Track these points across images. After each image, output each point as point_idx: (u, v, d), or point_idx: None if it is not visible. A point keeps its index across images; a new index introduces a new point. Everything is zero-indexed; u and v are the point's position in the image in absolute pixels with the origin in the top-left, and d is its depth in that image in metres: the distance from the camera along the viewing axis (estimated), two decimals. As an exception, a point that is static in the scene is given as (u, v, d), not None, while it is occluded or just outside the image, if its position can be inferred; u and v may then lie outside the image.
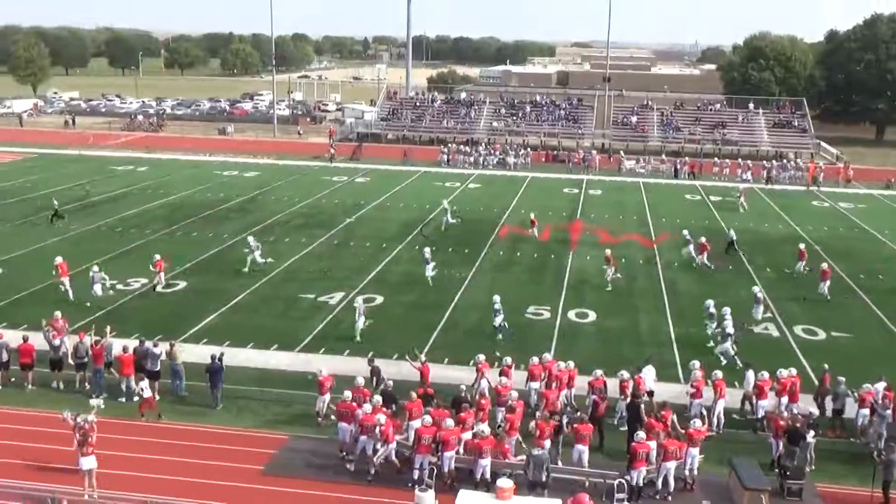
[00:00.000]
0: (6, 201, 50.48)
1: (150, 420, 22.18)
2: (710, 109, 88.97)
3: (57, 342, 24.43)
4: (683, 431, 19.62)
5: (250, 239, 37.73)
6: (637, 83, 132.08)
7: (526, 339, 28.26)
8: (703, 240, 39.34)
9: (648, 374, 23.68)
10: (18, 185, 56.21)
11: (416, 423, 19.64)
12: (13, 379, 24.31)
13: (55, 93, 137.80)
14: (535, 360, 23.50)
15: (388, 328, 29.48)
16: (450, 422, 19.54)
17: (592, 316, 31.55)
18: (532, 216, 45.49)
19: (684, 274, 37.78)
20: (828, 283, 34.28)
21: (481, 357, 23.79)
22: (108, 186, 56.49)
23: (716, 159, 70.30)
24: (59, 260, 32.51)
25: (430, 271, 35.06)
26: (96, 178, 59.93)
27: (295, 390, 23.90)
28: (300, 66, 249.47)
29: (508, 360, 23.50)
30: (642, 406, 20.96)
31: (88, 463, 18.40)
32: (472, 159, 71.09)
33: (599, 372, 22.92)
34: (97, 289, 31.50)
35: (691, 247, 39.90)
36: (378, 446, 19.55)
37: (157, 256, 33.92)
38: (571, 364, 23.55)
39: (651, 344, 28.74)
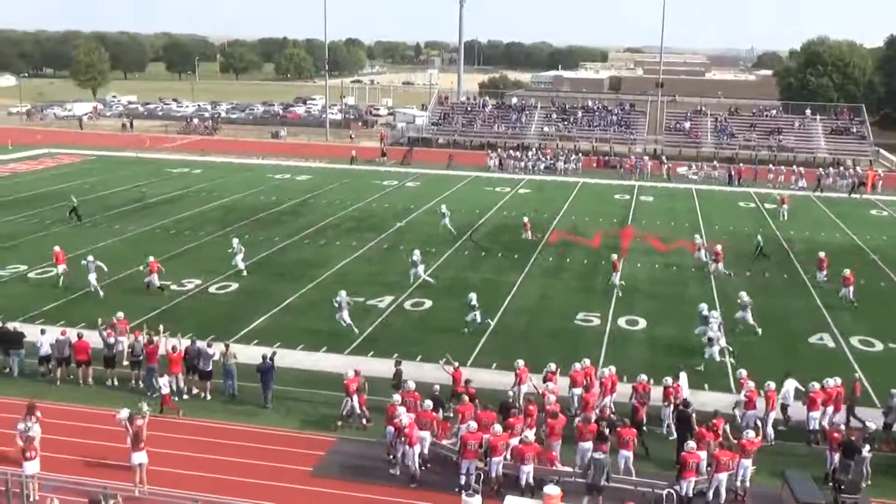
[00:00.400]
0: (67, 202, 51.59)
1: (169, 416, 22.42)
2: (766, 115, 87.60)
3: (111, 340, 24.91)
4: (735, 441, 19.31)
5: (234, 241, 38.08)
6: (691, 89, 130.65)
7: (576, 346, 28.06)
8: (718, 248, 38.63)
9: (684, 381, 23.36)
10: (78, 186, 57.45)
11: (494, 431, 19.34)
12: (71, 376, 24.87)
13: (114, 96, 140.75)
14: (577, 366, 23.43)
15: (436, 333, 29.52)
16: (498, 427, 19.49)
17: (643, 323, 31.23)
18: (525, 219, 45.59)
19: (737, 282, 37.20)
20: (851, 288, 33.51)
21: (520, 362, 23.74)
22: (164, 188, 57.50)
23: (771, 166, 69.20)
24: (56, 249, 34.76)
25: (420, 273, 35.24)
26: (152, 180, 61.04)
27: (343, 392, 24.04)
28: (353, 70, 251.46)
29: (552, 366, 23.40)
30: (693, 415, 20.70)
31: (139, 458, 18.74)
32: (522, 164, 70.95)
33: (644, 376, 22.75)
34: (91, 278, 32.76)
35: (703, 252, 39.79)
36: (405, 449, 19.54)
37: (151, 258, 34.47)
38: (613, 369, 23.42)
39: (702, 353, 28.34)
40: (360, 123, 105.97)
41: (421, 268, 35.62)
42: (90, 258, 33.66)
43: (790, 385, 23.17)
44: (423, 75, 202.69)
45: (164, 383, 23.00)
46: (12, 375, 25.05)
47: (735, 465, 18.74)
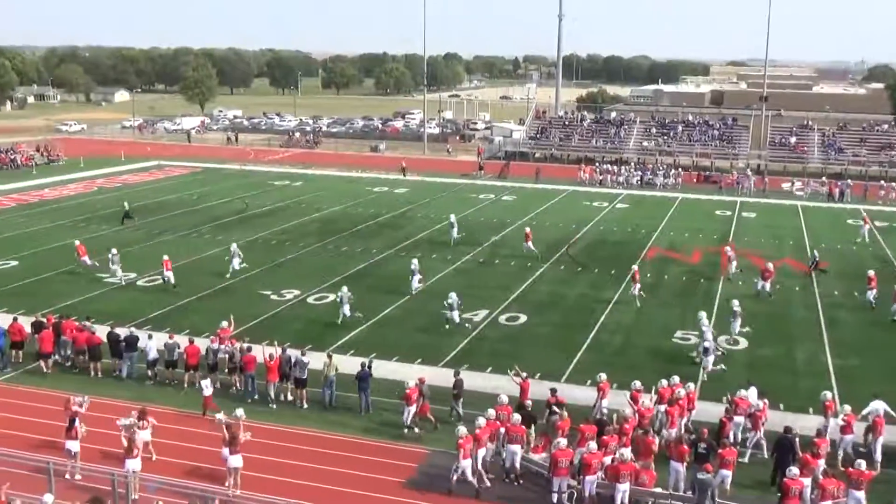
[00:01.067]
0: (174, 212, 53.54)
1: (210, 416, 22.68)
2: (877, 130, 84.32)
3: (215, 346, 25.65)
4: (843, 470, 18.51)
5: (233, 245, 39.39)
6: (796, 103, 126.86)
7: (673, 365, 27.46)
8: (770, 265, 37.22)
9: (752, 394, 22.63)
10: (185, 197, 59.51)
11: (589, 448, 18.98)
12: (175, 381, 25.71)
13: (220, 111, 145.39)
14: (664, 382, 23.02)
15: (532, 347, 29.39)
16: (593, 444, 19.22)
17: (744, 343, 30.37)
18: (527, 230, 44.83)
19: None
20: None
21: (602, 376, 23.50)
22: (266, 200, 58.99)
23: (882, 182, 66.54)
24: (165, 257, 37.03)
25: (415, 283, 35.59)
26: (255, 192, 62.71)
27: (437, 405, 24.11)
28: (451, 85, 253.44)
29: (637, 383, 22.98)
30: (797, 439, 19.99)
31: (235, 461, 19.20)
32: (620, 179, 70.15)
33: (744, 392, 22.20)
34: (117, 270, 36.55)
35: (733, 263, 39.24)
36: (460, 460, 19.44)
37: (165, 256, 37.05)
38: (692, 387, 22.89)
39: (806, 375, 27.44)
40: (457, 137, 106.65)
41: (417, 277, 36.16)
42: (113, 251, 37.29)
43: (879, 406, 22.11)
44: (520, 90, 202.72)
45: (205, 385, 23.60)
46: (122, 378, 26.06)
47: (841, 493, 17.94)
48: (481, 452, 19.94)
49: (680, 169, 73.11)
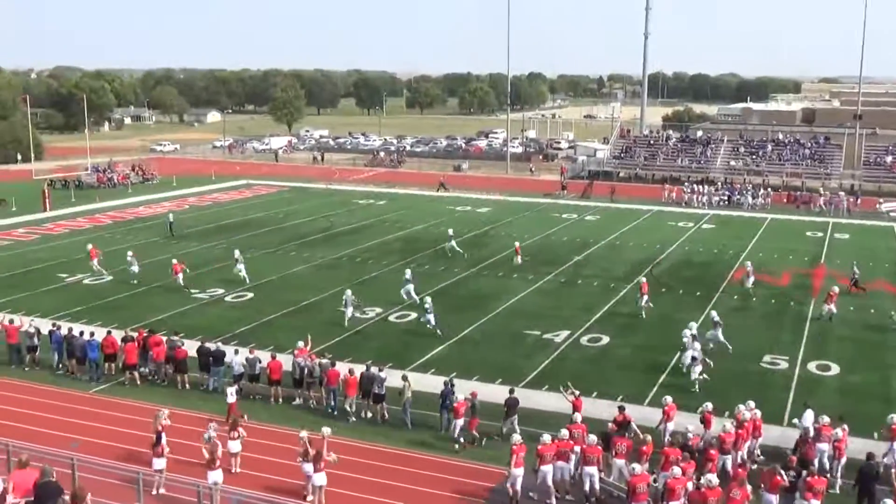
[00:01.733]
0: (261, 230, 54.76)
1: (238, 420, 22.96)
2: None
3: (300, 361, 26.07)
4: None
5: (236, 252, 42.24)
6: (893, 120, 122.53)
7: (761, 390, 26.73)
8: (835, 289, 36.02)
9: (808, 417, 22.06)
10: (272, 215, 60.82)
11: (673, 473, 18.48)
12: (258, 396, 26.22)
13: (307, 131, 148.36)
14: (742, 407, 22.46)
15: (614, 369, 29.02)
16: (677, 469, 18.79)
17: (835, 369, 29.38)
18: (517, 244, 45.91)
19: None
20: None
21: (668, 399, 23.12)
22: (350, 218, 59.85)
23: None
24: (89, 247, 41.72)
25: (411, 291, 36.79)
26: (340, 210, 63.69)
27: (518, 425, 24.00)
28: (534, 104, 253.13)
29: (709, 405, 22.54)
30: (881, 469, 19.21)
31: (319, 479, 19.39)
32: (706, 199, 68.91)
33: (826, 419, 21.56)
34: (134, 269, 40.31)
35: (751, 279, 39.34)
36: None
37: (175, 261, 40.27)
38: (758, 413, 22.32)
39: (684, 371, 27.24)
40: (540, 157, 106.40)
41: (411, 286, 36.97)
42: (130, 253, 41.62)
43: (808, 416, 21.77)
44: (605, 108, 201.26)
45: (231, 392, 24.27)
46: (208, 391, 26.70)
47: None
48: (547, 469, 19.84)
49: (769, 189, 71.40)
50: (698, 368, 27.49)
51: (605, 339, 32.33)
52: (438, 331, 32.30)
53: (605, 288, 40.17)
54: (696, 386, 27.03)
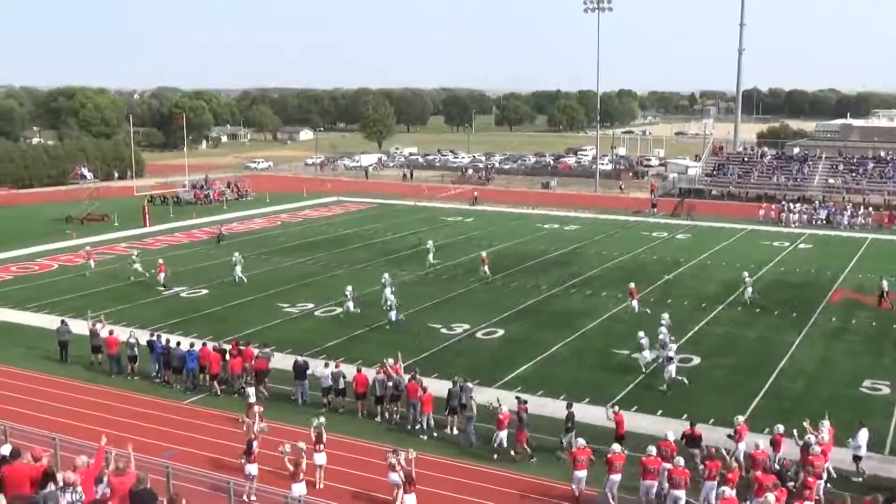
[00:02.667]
0: (351, 247, 55.52)
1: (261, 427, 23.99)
2: None
3: (381, 377, 26.25)
4: None
5: (235, 254, 46.21)
6: None
7: (860, 416, 25.65)
8: None
9: (863, 437, 21.66)
10: (361, 231, 61.65)
11: (767, 500, 17.88)
12: (342, 409, 26.50)
13: (397, 148, 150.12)
14: (826, 423, 22.05)
15: (705, 391, 28.33)
16: (771, 497, 18.14)
17: (940, 395, 28.06)
18: (483, 254, 47.23)
19: None
20: None
21: (740, 418, 22.64)
22: (438, 235, 60.16)
23: None
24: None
25: (390, 296, 37.82)
26: (428, 227, 64.10)
27: (606, 446, 23.63)
28: (625, 121, 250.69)
29: (780, 428, 22.01)
30: None
31: (409, 501, 19.41)
32: (804, 218, 66.95)
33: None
34: (237, 270, 44.06)
35: (750, 290, 39.98)
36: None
37: (160, 261, 44.45)
38: (826, 438, 21.53)
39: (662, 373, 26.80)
40: (630, 174, 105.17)
41: (388, 290, 38.28)
42: (237, 254, 46.07)
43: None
44: (697, 125, 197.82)
45: (250, 392, 25.16)
46: (298, 403, 27.14)
47: None
48: (615, 478, 20.22)
49: (870, 208, 68.91)
50: (672, 368, 28.44)
51: (696, 360, 31.61)
52: (389, 325, 35.45)
53: (696, 308, 39.33)
54: (666, 385, 28.13)
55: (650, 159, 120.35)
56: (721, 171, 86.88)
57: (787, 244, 57.30)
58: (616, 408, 24.16)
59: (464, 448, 23.83)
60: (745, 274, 42.22)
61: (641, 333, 31.15)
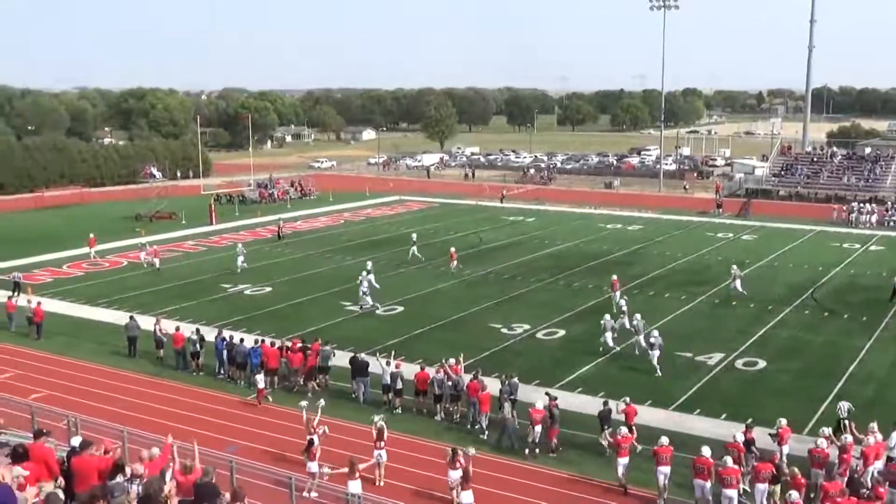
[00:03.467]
0: (410, 246, 55.69)
1: (265, 403, 26.84)
2: None
3: (440, 376, 26.31)
4: None
5: (238, 245, 48.98)
6: None
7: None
8: None
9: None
10: (422, 231, 61.81)
11: None
12: (397, 409, 26.64)
13: (459, 148, 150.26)
14: (874, 425, 21.69)
15: (771, 395, 27.76)
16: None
17: None
18: (452, 249, 48.09)
19: None
20: None
21: (783, 421, 22.23)
22: (499, 235, 60.08)
23: None
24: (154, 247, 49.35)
25: (366, 290, 39.28)
26: (489, 226, 64.05)
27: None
28: (690, 120, 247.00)
29: (826, 431, 21.63)
30: None
31: (466, 497, 19.44)
32: (874, 219, 65.19)
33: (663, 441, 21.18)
34: (143, 257, 48.38)
35: (738, 282, 40.71)
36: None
37: (92, 235, 50.63)
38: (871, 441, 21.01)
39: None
40: (694, 174, 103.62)
41: (366, 285, 39.44)
42: (143, 240, 50.21)
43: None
44: (764, 125, 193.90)
45: (260, 379, 27.34)
46: (359, 401, 27.36)
47: None
48: (664, 469, 20.57)
49: (946, 209, 66.74)
50: (656, 353, 29.55)
51: (762, 364, 30.99)
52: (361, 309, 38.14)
53: (763, 310, 38.55)
54: (658, 370, 29.45)
55: (715, 159, 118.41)
56: (789, 172, 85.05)
57: (857, 246, 55.83)
58: (627, 399, 24.44)
59: (499, 448, 23.80)
60: (734, 266, 42.99)
61: (607, 316, 33.16)
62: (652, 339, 30.00)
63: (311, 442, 21.14)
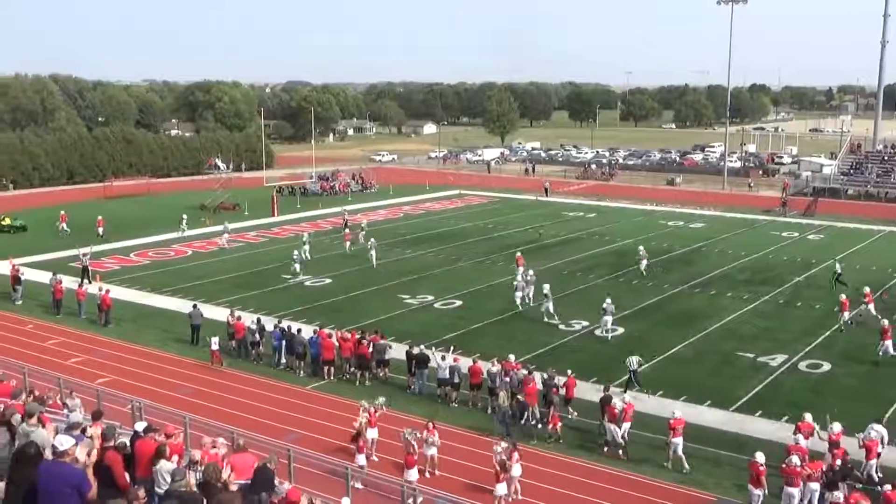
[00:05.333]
0: (471, 240, 55.78)
1: (218, 367, 29.34)
2: None
3: (494, 370, 26.31)
4: None
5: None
6: None
7: None
8: (865, 289, 36.86)
9: (879, 432, 21.53)
10: (482, 225, 61.83)
11: None
12: (456, 402, 26.64)
13: (519, 143, 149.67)
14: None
15: (836, 398, 27.07)
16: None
17: None
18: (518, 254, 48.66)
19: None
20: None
21: (835, 427, 21.53)
22: (559, 230, 59.74)
23: None
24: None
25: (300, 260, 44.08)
26: (549, 222, 63.73)
27: (726, 451, 23.00)
28: (755, 117, 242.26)
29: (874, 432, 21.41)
30: None
31: (501, 489, 19.66)
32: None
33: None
34: (295, 260, 45.00)
35: (644, 262, 44.40)
36: None
37: (62, 212, 56.57)
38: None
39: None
40: (760, 172, 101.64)
41: (297, 254, 44.87)
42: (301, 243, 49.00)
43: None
44: (833, 122, 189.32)
45: (213, 342, 30.12)
46: (416, 393, 27.48)
47: None
48: (677, 441, 21.93)
49: None
50: (550, 305, 35.07)
51: (827, 366, 30.30)
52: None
53: (829, 312, 37.62)
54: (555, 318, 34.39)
55: (782, 157, 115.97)
56: (858, 171, 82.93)
57: (929, 247, 54.18)
58: (571, 372, 25.93)
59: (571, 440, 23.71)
60: (641, 248, 46.09)
61: (546, 286, 36.98)
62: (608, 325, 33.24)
63: (357, 435, 21.34)
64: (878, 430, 21.80)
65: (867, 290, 37.08)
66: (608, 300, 34.07)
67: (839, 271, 41.99)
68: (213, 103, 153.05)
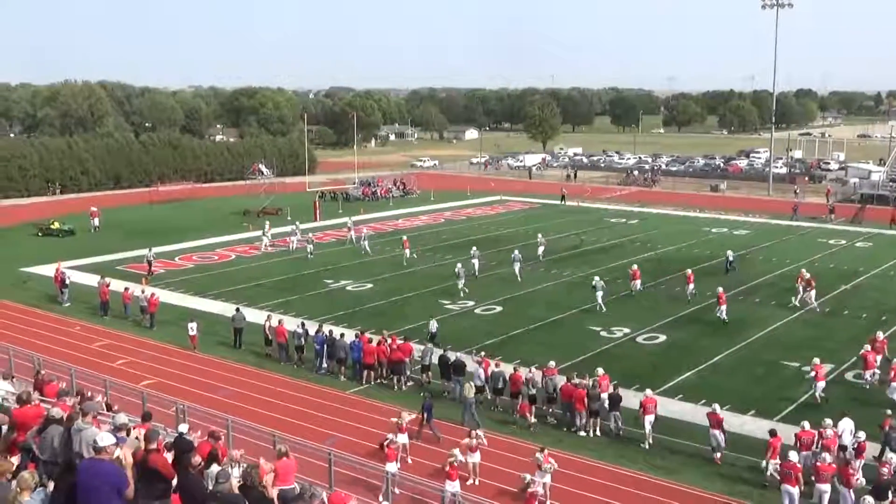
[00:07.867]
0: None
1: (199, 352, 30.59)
2: None
3: (530, 375, 26.28)
4: None
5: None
6: None
7: None
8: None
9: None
10: (522, 231, 61.65)
11: None
12: (500, 408, 26.60)
13: (561, 148, 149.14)
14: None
15: (877, 406, 26.55)
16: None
17: None
18: (404, 238, 51.21)
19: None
20: None
21: (861, 435, 21.67)
22: (600, 237, 59.40)
23: None
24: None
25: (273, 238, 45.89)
26: (590, 228, 63.39)
27: (756, 458, 22.75)
28: (802, 123, 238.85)
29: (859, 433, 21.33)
30: None
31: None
32: None
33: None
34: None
35: (542, 248, 48.92)
36: None
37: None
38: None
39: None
40: (805, 178, 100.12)
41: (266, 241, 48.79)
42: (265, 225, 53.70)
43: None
44: (882, 127, 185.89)
45: (192, 327, 32.61)
46: (452, 399, 27.48)
47: None
48: (649, 418, 23.73)
49: None
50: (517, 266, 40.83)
51: (874, 375, 29.71)
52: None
53: (876, 321, 36.94)
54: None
55: (829, 163, 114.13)
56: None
57: (981, 256, 52.92)
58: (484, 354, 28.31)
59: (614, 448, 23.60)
60: (540, 234, 50.80)
61: (459, 265, 41.53)
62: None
63: (387, 442, 21.34)
64: None
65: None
66: (596, 278, 39.08)
67: (731, 258, 46.79)
68: (258, 109, 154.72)
